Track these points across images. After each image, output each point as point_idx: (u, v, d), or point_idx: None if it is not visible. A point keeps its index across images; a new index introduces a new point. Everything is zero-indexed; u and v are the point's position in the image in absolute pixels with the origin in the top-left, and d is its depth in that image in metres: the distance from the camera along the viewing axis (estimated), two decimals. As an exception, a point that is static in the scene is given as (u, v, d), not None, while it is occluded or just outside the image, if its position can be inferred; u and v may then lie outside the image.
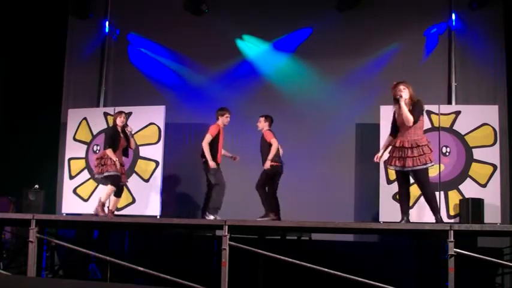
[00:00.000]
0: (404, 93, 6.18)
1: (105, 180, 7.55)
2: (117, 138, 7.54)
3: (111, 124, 8.03)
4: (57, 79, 9.76)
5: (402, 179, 6.30)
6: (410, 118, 6.10)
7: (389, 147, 6.37)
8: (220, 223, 6.35)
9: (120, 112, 7.70)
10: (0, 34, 9.55)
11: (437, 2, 8.79)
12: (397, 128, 6.36)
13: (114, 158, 7.37)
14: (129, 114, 8.68)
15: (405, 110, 6.11)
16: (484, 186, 7.72)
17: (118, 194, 7.63)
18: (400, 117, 6.22)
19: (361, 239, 8.40)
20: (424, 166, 6.09)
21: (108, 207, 7.70)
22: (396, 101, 6.23)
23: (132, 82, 9.72)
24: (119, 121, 7.58)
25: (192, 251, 8.53)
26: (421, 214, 7.24)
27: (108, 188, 7.45)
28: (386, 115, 7.94)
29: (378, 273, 5.95)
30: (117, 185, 7.49)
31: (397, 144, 6.23)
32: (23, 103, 9.58)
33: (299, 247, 8.12)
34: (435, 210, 6.18)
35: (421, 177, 6.16)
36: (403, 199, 6.34)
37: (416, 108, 6.16)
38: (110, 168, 7.38)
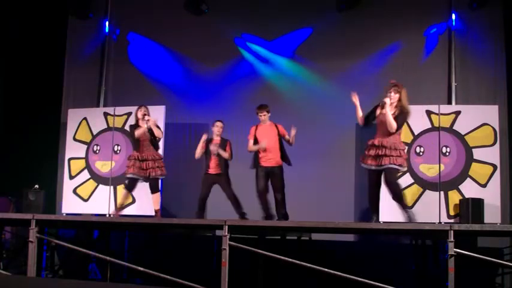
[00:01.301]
0: (394, 97, 6.22)
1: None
2: (132, 135, 7.57)
3: (111, 124, 7.99)
4: (57, 79, 9.77)
5: (376, 179, 6.30)
6: (393, 125, 6.14)
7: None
8: (220, 223, 6.35)
9: (140, 106, 7.65)
10: (0, 34, 9.55)
11: (437, 2, 8.79)
12: (368, 120, 6.40)
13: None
14: (129, 114, 8.70)
15: (389, 116, 6.14)
16: (484, 186, 7.72)
17: (152, 189, 7.67)
18: (382, 118, 6.24)
19: (361, 239, 8.40)
20: (399, 167, 6.19)
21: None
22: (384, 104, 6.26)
23: (132, 82, 9.72)
24: (139, 114, 7.56)
25: (192, 251, 8.53)
26: (420, 214, 7.23)
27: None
28: (386, 115, 7.97)
29: (378, 273, 5.95)
30: (131, 189, 7.60)
31: (376, 143, 6.24)
32: (23, 103, 9.59)
33: (299, 247, 8.12)
34: (405, 206, 6.25)
35: (392, 177, 6.20)
36: (374, 199, 6.37)
37: (402, 117, 6.23)
38: (129, 169, 7.50)
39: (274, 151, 7.48)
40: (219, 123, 7.87)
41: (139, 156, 7.47)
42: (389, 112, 6.16)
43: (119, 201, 7.63)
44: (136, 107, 7.68)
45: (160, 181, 7.78)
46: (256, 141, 7.54)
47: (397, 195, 6.24)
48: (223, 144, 7.82)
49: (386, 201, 7.77)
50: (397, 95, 6.24)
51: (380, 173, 6.28)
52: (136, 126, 7.55)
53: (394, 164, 6.13)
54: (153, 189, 7.61)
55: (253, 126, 7.64)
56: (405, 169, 6.35)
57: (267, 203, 7.41)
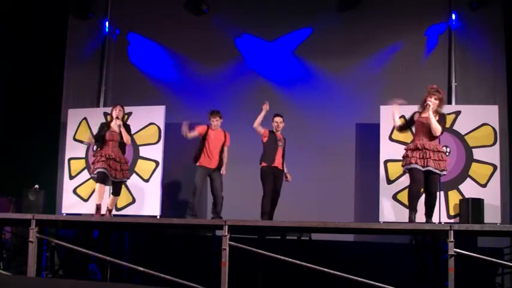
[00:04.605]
0: (435, 103, 6.28)
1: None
2: (100, 131, 7.53)
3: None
4: (57, 79, 9.76)
5: (423, 178, 6.27)
6: (439, 128, 6.22)
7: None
8: (220, 223, 6.35)
9: (116, 105, 7.66)
10: (1, 34, 9.55)
11: (437, 2, 8.79)
12: (407, 126, 6.53)
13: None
14: (129, 114, 8.69)
15: (434, 120, 6.22)
16: (484, 186, 7.72)
17: (115, 192, 7.59)
18: (425, 121, 6.28)
19: (361, 239, 8.40)
20: (443, 172, 6.26)
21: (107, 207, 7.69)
22: (425, 106, 6.31)
23: (132, 82, 9.71)
24: (114, 113, 7.54)
25: (192, 251, 8.53)
26: (420, 214, 7.24)
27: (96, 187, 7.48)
28: (386, 115, 7.97)
29: (378, 273, 5.96)
30: (103, 181, 7.43)
31: (419, 146, 6.25)
32: (23, 103, 9.59)
33: (299, 247, 8.12)
34: (430, 215, 6.27)
35: (435, 184, 6.29)
36: (418, 198, 6.34)
37: (442, 120, 6.32)
38: (96, 164, 7.39)
39: (216, 155, 7.72)
40: (278, 118, 7.69)
41: (106, 154, 7.40)
42: (432, 117, 6.22)
43: (108, 204, 7.58)
44: (135, 107, 7.67)
45: (123, 185, 7.83)
46: (204, 140, 7.75)
47: (432, 201, 6.30)
48: (285, 141, 7.74)
49: (386, 200, 7.84)
50: (437, 101, 6.31)
51: (422, 172, 6.27)
52: (108, 125, 7.54)
53: (437, 169, 6.18)
54: (116, 192, 7.57)
55: (206, 126, 7.83)
56: (445, 173, 6.37)
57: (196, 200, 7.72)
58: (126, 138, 7.56)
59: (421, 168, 6.19)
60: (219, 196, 7.66)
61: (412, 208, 6.27)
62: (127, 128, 7.68)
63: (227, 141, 7.87)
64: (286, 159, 7.75)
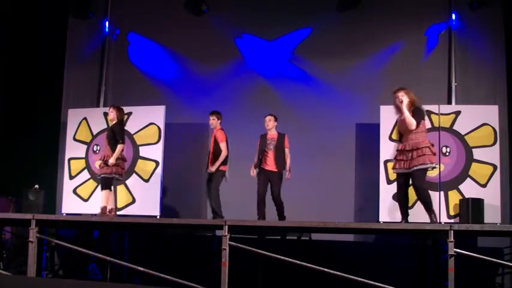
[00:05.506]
0: (404, 98, 6.30)
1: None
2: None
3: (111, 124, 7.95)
4: (57, 79, 9.77)
5: (403, 182, 6.35)
6: (413, 122, 6.20)
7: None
8: (220, 223, 6.36)
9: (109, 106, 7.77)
10: (1, 34, 9.55)
11: (437, 2, 8.79)
12: (400, 134, 6.50)
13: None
14: (129, 114, 8.70)
15: (407, 114, 6.21)
16: (484, 186, 7.72)
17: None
18: (402, 122, 6.32)
19: (361, 239, 8.40)
20: (423, 166, 6.15)
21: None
22: (398, 109, 6.36)
23: (132, 82, 9.72)
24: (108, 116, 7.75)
25: (192, 251, 8.53)
26: (420, 214, 7.24)
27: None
28: (386, 115, 7.97)
29: (378, 273, 5.96)
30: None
31: (400, 148, 6.35)
32: (23, 103, 9.59)
33: (299, 247, 8.12)
34: (430, 211, 6.24)
35: (417, 179, 6.19)
36: (402, 203, 6.43)
37: (416, 113, 6.26)
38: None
39: (213, 156, 7.63)
40: (267, 117, 7.65)
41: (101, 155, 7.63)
42: (406, 111, 6.22)
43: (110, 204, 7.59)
44: (135, 107, 7.66)
45: (106, 179, 7.52)
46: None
47: (421, 199, 6.27)
48: (280, 139, 7.63)
49: (386, 200, 7.84)
50: (406, 96, 6.31)
51: (406, 176, 6.31)
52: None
53: (416, 166, 6.15)
54: (102, 187, 7.54)
55: None
56: (433, 165, 6.24)
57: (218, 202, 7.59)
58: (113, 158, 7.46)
59: (403, 171, 6.27)
60: (210, 197, 7.58)
61: (401, 212, 6.38)
62: (117, 130, 7.55)
63: (217, 138, 7.65)
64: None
